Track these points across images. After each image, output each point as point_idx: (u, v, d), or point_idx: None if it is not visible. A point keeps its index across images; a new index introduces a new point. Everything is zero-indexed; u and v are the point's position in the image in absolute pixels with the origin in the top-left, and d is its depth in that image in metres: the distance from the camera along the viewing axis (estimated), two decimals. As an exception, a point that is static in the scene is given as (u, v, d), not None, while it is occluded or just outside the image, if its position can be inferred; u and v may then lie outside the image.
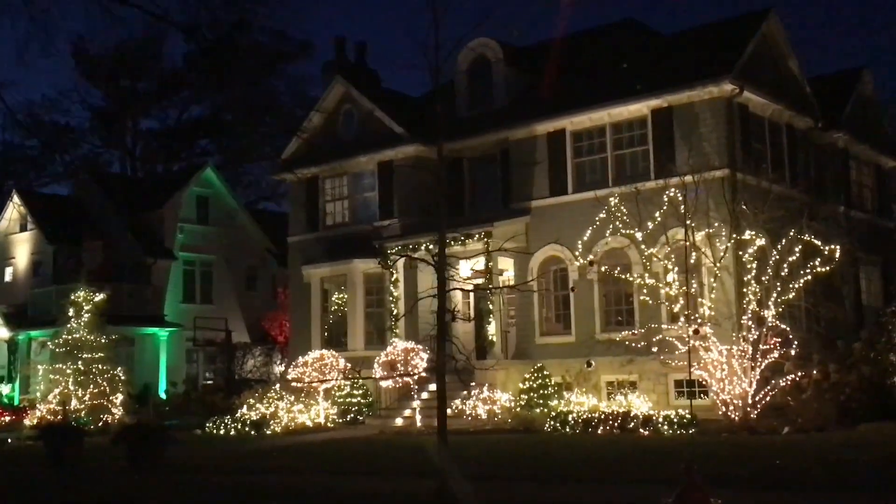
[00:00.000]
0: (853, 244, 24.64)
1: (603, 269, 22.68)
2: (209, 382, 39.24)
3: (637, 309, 23.93)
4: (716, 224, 21.67)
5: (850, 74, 28.95)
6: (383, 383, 23.68)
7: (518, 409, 23.12)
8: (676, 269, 21.65)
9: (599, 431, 20.68)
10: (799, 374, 20.62)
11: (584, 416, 21.12)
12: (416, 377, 23.16)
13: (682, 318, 21.46)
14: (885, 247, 28.97)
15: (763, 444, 17.18)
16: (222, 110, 54.53)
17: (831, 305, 23.08)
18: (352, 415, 26.14)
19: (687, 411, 20.29)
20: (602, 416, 20.93)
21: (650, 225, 21.80)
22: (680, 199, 21.67)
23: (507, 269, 26.53)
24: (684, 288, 21.42)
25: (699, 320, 20.83)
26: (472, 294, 27.84)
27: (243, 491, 14.11)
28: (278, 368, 38.90)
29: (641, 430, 20.19)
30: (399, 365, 22.76)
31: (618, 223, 22.19)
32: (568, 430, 21.09)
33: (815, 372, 20.93)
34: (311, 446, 20.81)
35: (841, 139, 27.35)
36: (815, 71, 26.92)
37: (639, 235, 22.54)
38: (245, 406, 26.95)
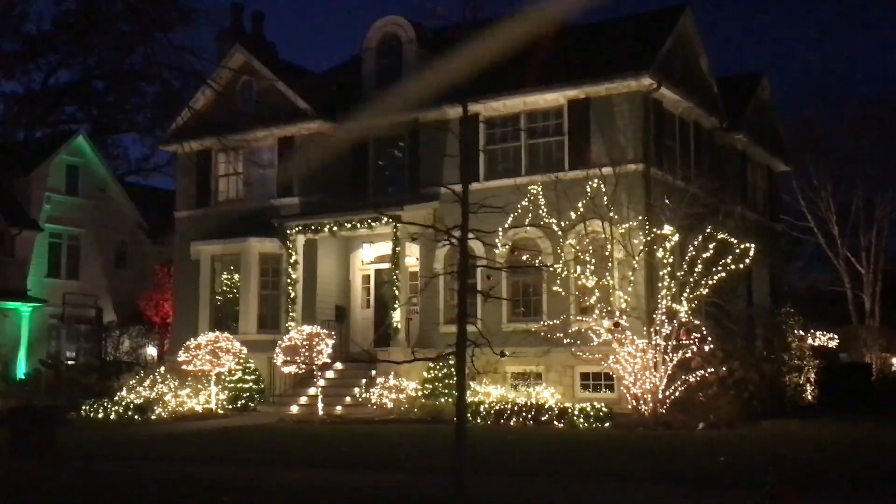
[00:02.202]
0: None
1: (525, 258, 22.17)
2: (71, 362, 36.99)
3: (546, 300, 23.65)
4: (640, 218, 21.53)
5: (750, 78, 29.55)
6: (285, 369, 22.59)
7: (423, 399, 22.47)
8: (593, 261, 21.42)
9: (512, 423, 20.26)
10: (708, 370, 20.73)
11: (496, 408, 20.64)
12: (319, 363, 22.17)
13: (595, 311, 21.26)
14: (773, 249, 29.72)
15: (689, 440, 17.10)
16: (93, 77, 51.66)
17: (737, 303, 23.42)
18: (243, 401, 24.98)
19: (601, 404, 20.09)
20: (515, 408, 20.50)
21: (573, 215, 21.50)
22: (601, 190, 21.47)
23: (411, 254, 25.75)
24: (601, 280, 21.22)
25: (617, 314, 20.67)
26: (371, 279, 27.07)
27: (157, 482, 12.88)
28: (151, 350, 36.97)
29: (556, 423, 19.86)
30: (303, 350, 21.71)
31: (540, 212, 21.80)
32: (479, 420, 20.56)
33: (724, 369, 21.10)
34: (210, 434, 19.60)
35: (740, 141, 27.88)
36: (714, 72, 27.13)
37: (553, 226, 22.22)
38: (124, 389, 25.37)
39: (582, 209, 21.50)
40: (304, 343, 21.74)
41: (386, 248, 26.01)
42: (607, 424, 19.52)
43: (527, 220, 22.43)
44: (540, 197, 21.96)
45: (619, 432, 18.62)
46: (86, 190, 40.30)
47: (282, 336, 25.28)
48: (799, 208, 37.98)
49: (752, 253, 20.88)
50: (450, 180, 25.15)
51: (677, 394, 20.65)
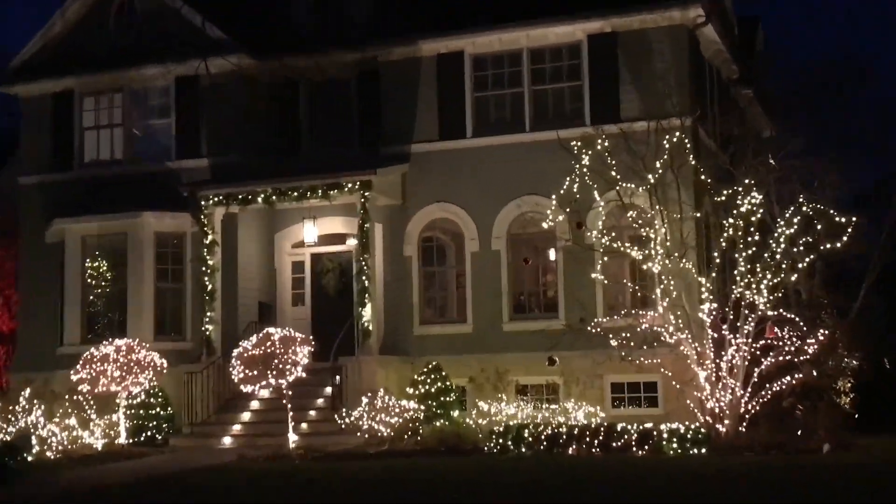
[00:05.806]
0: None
1: (589, 235, 19.28)
2: None
3: (562, 292, 20.98)
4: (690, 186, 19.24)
5: (749, 24, 27.90)
6: (247, 387, 18.56)
7: (416, 423, 19.18)
8: (658, 239, 18.86)
9: (570, 451, 17.39)
10: (796, 376, 18.71)
11: (546, 432, 17.69)
12: (292, 378, 18.37)
13: (661, 305, 18.75)
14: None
15: (860, 469, 14.92)
16: None
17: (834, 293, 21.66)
18: (149, 432, 20.81)
19: (693, 425, 17.51)
20: (574, 432, 17.62)
21: (630, 181, 18.86)
22: (657, 146, 19.03)
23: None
24: (666, 262, 18.72)
25: (707, 307, 18.19)
26: (306, 267, 23.46)
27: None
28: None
29: (635, 449, 17.14)
30: (276, 361, 17.85)
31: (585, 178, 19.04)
32: (524, 449, 17.54)
33: (798, 375, 19.11)
34: (161, 485, 15.47)
35: (746, 97, 26.22)
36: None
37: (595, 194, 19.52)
38: (-36, 421, 20.52)
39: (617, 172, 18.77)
40: (278, 351, 17.87)
41: (330, 225, 22.51)
42: (703, 450, 17.01)
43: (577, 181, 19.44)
44: (584, 156, 19.11)
45: (730, 460, 16.07)
46: None
47: (184, 342, 21.72)
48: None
49: (850, 228, 18.83)
50: (424, 136, 22.12)
51: (758, 408, 18.53)
